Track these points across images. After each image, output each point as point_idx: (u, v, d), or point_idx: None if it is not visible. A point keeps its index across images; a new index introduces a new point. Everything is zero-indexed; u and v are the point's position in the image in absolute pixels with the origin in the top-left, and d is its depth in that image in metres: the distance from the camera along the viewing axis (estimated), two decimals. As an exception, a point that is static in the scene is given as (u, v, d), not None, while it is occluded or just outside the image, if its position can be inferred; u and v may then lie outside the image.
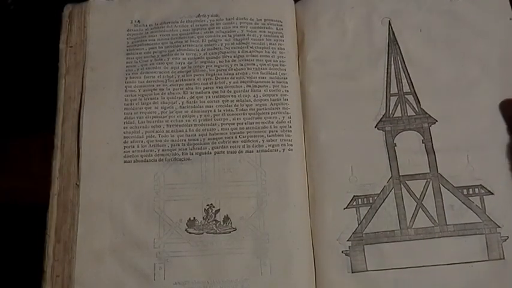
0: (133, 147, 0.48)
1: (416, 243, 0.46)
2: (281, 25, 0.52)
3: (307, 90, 0.51)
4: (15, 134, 0.58)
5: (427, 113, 0.50)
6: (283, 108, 0.50)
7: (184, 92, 0.50)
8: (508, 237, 0.46)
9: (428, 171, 0.48)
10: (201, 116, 0.49)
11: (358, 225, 0.47)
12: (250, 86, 0.50)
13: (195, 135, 0.49)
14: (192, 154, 0.48)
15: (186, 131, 0.49)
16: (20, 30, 0.62)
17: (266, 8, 0.53)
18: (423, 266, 0.45)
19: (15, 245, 0.54)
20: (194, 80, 0.50)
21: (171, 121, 0.49)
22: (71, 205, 0.46)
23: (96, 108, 0.49)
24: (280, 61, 0.51)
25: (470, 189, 0.47)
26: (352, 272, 0.45)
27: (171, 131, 0.49)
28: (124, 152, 0.48)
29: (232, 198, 0.47)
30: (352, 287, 0.45)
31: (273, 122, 0.49)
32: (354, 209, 0.47)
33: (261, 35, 0.52)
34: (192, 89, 0.50)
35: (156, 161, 0.48)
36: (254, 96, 0.50)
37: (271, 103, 0.50)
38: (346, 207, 0.47)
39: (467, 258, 0.46)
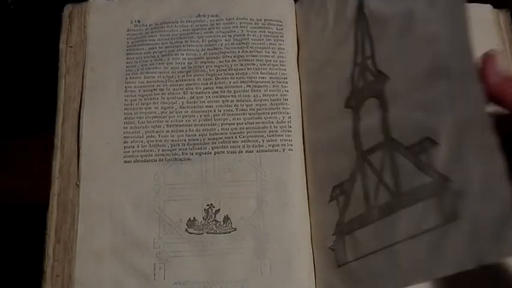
0: (134, 147, 0.48)
1: (380, 223, 0.41)
2: (281, 25, 0.52)
3: (302, 90, 0.51)
4: (15, 134, 0.58)
5: (382, 73, 0.43)
6: (283, 108, 0.50)
7: (184, 92, 0.50)
8: (460, 190, 0.35)
9: (383, 139, 0.42)
10: (201, 116, 0.49)
11: (339, 216, 0.45)
12: (250, 86, 0.50)
13: (195, 135, 0.49)
14: (192, 154, 0.48)
15: (186, 131, 0.49)
16: (20, 30, 0.62)
17: (266, 8, 0.53)
18: (388, 247, 0.40)
19: (15, 245, 0.54)
20: (194, 80, 0.50)
21: (171, 121, 0.49)
22: (71, 205, 0.46)
23: (96, 108, 0.49)
24: (280, 61, 0.51)
25: (419, 146, 0.39)
26: (338, 267, 0.44)
27: (171, 131, 0.49)
28: (124, 152, 0.48)
29: (232, 198, 0.47)
30: (339, 281, 0.44)
31: (273, 122, 0.49)
32: (335, 200, 0.45)
33: (261, 35, 0.52)
34: (192, 89, 0.50)
35: (156, 161, 0.48)
36: (254, 96, 0.50)
37: (271, 103, 0.50)
38: (329, 201, 0.46)
39: (424, 227, 0.37)
